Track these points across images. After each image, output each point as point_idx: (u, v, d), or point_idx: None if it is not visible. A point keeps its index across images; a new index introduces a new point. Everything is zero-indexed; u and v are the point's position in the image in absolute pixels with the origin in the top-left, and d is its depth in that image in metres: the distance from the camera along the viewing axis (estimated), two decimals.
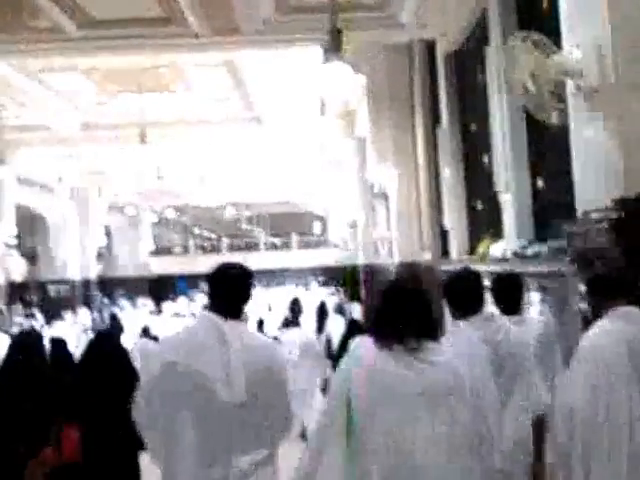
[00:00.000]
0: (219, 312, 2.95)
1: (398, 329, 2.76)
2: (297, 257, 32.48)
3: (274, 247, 34.23)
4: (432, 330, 2.82)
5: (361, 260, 17.09)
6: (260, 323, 12.81)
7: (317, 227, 36.93)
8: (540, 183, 5.85)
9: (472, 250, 7.76)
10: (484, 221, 7.31)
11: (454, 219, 7.96)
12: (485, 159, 7.11)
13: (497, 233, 6.55)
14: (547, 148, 5.68)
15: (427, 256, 9.76)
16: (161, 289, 29.67)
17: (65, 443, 3.98)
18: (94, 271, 25.18)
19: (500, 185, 6.02)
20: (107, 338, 4.88)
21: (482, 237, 7.24)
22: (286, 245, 34.11)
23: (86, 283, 24.54)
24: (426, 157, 9.56)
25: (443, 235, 9.25)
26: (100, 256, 26.35)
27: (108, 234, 28.84)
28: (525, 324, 3.96)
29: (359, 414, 2.68)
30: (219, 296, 3.02)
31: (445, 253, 9.19)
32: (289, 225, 34.74)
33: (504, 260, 5.87)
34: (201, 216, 36.70)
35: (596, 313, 3.24)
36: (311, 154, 19.40)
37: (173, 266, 31.73)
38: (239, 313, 3.03)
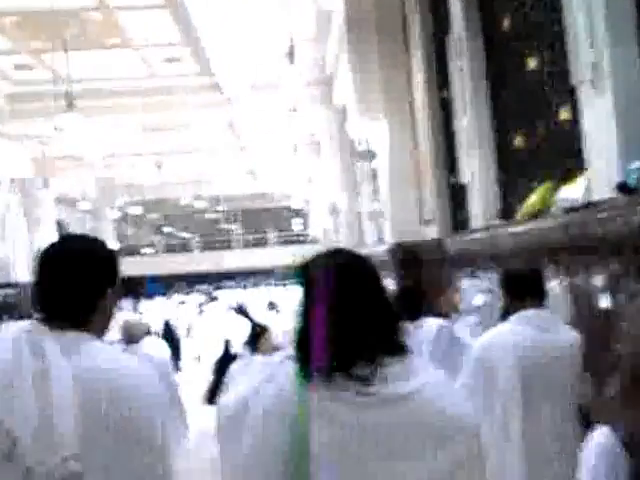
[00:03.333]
0: (47, 319, 1.77)
1: (337, 348, 1.61)
2: (275, 255, 29.96)
3: (250, 245, 31.66)
4: (393, 342, 1.68)
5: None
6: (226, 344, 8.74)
7: (297, 223, 34.47)
8: None
9: (506, 212, 5.17)
10: (531, 162, 4.71)
11: (476, 167, 5.36)
12: (532, 62, 4.51)
13: (566, 173, 3.95)
14: None
15: (431, 231, 7.17)
16: (130, 291, 26.98)
17: None
18: None
19: (583, 70, 3.34)
20: None
21: (528, 187, 4.65)
22: (262, 242, 31.56)
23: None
24: (428, 86, 6.96)
25: (455, 199, 6.66)
26: None
27: (63, 231, 26.30)
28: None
29: None
30: (44, 291, 1.81)
31: (458, 225, 6.60)
32: (266, 221, 32.22)
33: (590, 206, 3.29)
34: (170, 213, 34.08)
35: (504, 314, 3.17)
36: (284, 132, 16.79)
37: (137, 267, 29.06)
38: (85, 318, 1.80)
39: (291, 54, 9.57)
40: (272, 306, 17.69)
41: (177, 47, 12.50)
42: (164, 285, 30.29)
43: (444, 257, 6.66)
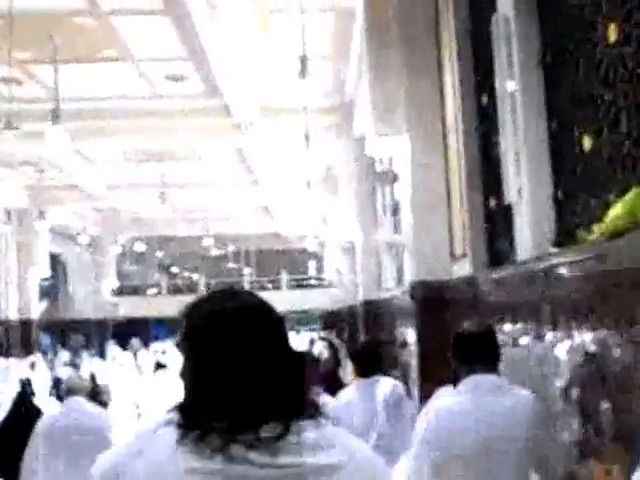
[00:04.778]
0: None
1: (232, 410, 1.45)
2: (288, 299, 28.99)
3: (261, 287, 30.68)
4: (301, 404, 1.49)
5: (361, 295, 13.48)
6: None
7: (312, 266, 33.53)
8: None
9: (565, 238, 4.11)
10: (600, 171, 3.65)
11: (525, 181, 4.31)
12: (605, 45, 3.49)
13: None
14: None
15: (462, 268, 6.11)
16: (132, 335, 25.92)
17: None
18: (36, 310, 21.52)
19: None
20: None
21: (597, 203, 3.61)
22: (275, 285, 30.60)
23: (25, 324, 20.81)
24: (463, 91, 5.96)
25: (493, 226, 5.62)
26: (46, 292, 23.15)
27: (59, 267, 25.56)
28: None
29: None
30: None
31: (496, 258, 5.54)
32: (279, 263, 31.31)
33: None
34: (176, 251, 33.26)
35: (453, 379, 3.11)
36: (298, 163, 15.92)
37: (139, 308, 28.19)
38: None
39: (303, 67, 8.65)
40: None
41: (180, 62, 11.71)
42: (168, 329, 29.31)
43: (477, 298, 5.59)
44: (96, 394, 6.07)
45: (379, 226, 11.86)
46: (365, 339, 6.85)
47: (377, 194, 12.27)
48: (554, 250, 4.04)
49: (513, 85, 4.49)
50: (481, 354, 3.14)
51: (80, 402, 5.32)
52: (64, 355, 18.26)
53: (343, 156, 13.87)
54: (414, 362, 7.42)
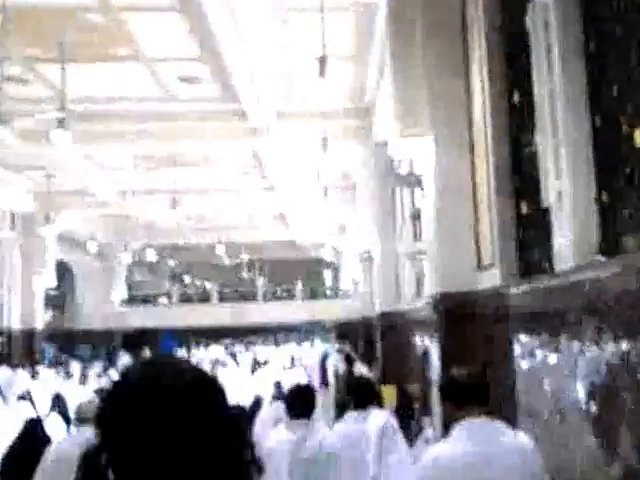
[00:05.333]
0: None
1: None
2: (303, 309, 28.69)
3: (275, 297, 30.37)
4: None
5: (377, 306, 13.15)
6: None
7: (328, 276, 33.20)
8: None
9: (611, 245, 3.76)
10: None
11: (566, 183, 3.96)
12: None
13: None
14: None
15: (490, 279, 5.75)
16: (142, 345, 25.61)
17: None
18: (41, 319, 21.16)
19: None
20: None
21: None
22: (289, 295, 30.27)
23: (28, 334, 20.39)
24: (493, 88, 5.62)
25: (525, 234, 5.26)
26: (53, 301, 22.92)
27: (67, 275, 25.38)
28: None
29: None
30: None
31: (528, 268, 5.18)
32: (293, 272, 30.99)
33: None
34: (190, 260, 33.03)
35: (446, 423, 3.12)
36: (315, 169, 15.63)
37: (149, 318, 27.94)
38: None
39: (322, 66, 8.35)
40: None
41: (194, 63, 11.45)
42: (179, 339, 29.02)
43: (506, 311, 5.24)
44: None
45: (398, 234, 11.53)
46: (358, 376, 7.04)
47: (396, 201, 11.94)
48: (600, 259, 3.69)
49: (552, 78, 4.15)
50: (474, 397, 3.09)
51: (88, 432, 4.78)
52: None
53: (362, 162, 13.57)
54: (435, 377, 7.07)
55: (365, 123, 13.24)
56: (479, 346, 5.90)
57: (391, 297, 12.38)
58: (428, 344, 8.02)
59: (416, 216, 9.74)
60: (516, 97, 5.39)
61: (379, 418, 5.02)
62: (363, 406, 4.98)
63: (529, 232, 5.26)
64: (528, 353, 4.81)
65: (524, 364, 4.95)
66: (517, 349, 5.05)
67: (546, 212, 4.50)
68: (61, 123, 9.84)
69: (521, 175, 5.36)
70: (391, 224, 12.23)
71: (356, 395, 5.10)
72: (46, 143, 11.94)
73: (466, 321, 5.98)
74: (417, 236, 8.92)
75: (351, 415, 5.06)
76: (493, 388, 5.53)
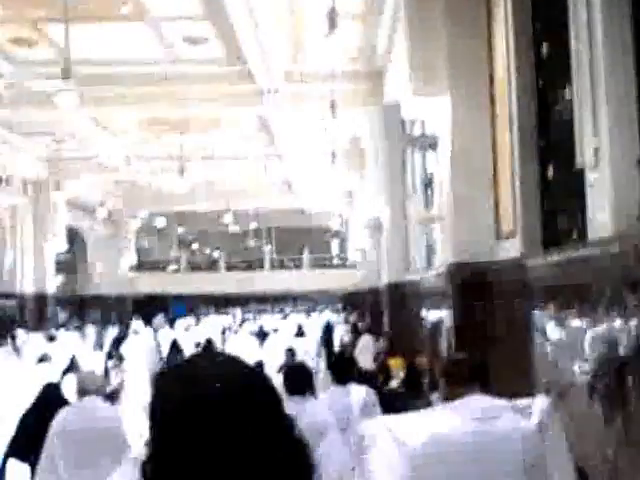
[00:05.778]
0: None
1: None
2: (310, 278, 28.32)
3: (282, 266, 30.00)
4: None
5: (385, 276, 12.72)
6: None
7: (335, 245, 32.77)
8: None
9: None
10: None
11: (604, 139, 3.48)
12: None
13: None
14: None
15: (510, 249, 5.29)
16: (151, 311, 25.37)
17: None
18: (53, 284, 21.00)
19: None
20: None
21: None
22: (296, 264, 29.90)
23: (41, 299, 20.28)
24: (519, 39, 5.11)
25: (550, 201, 4.79)
26: (64, 266, 22.73)
27: (78, 241, 25.10)
28: None
29: None
30: None
31: (553, 237, 4.72)
32: (301, 241, 30.56)
33: None
34: (198, 227, 32.65)
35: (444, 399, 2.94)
36: (323, 134, 15.09)
37: (158, 285, 27.68)
38: None
39: (331, 22, 7.81)
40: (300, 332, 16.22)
41: (200, 23, 10.90)
42: (187, 306, 28.78)
43: (528, 283, 4.79)
44: None
45: (409, 201, 11.05)
46: (341, 348, 6.96)
47: (407, 166, 11.43)
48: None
49: (593, 27, 3.65)
50: (471, 375, 2.90)
51: (94, 401, 5.12)
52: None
53: (371, 126, 13.02)
54: (447, 350, 6.66)
55: (375, 86, 12.68)
56: (496, 321, 5.46)
57: (400, 267, 11.94)
58: (439, 316, 7.60)
59: (428, 182, 9.27)
60: (545, 50, 4.89)
61: (359, 393, 5.15)
62: (343, 382, 5.13)
63: (555, 198, 4.79)
64: (552, 329, 4.37)
65: (547, 340, 4.51)
66: (539, 324, 4.62)
67: (577, 176, 4.03)
68: (66, 79, 9.35)
69: (548, 136, 4.88)
70: (401, 191, 11.74)
71: (336, 371, 5.25)
72: (53, 107, 11.57)
73: (483, 294, 5.54)
74: (428, 204, 8.45)
75: (335, 390, 5.20)
76: (510, 366, 5.10)
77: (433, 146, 6.31)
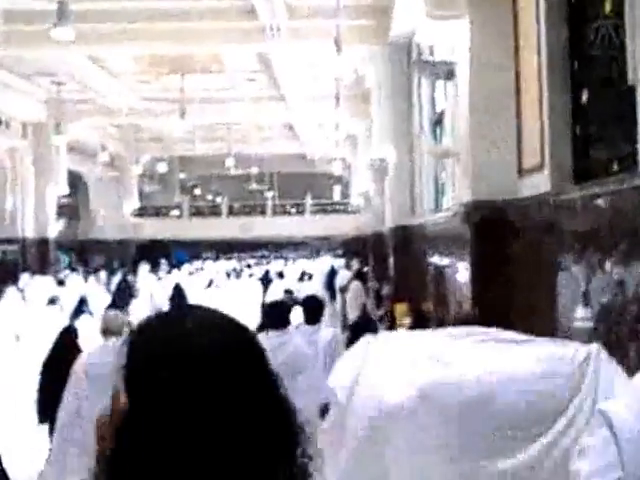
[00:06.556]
0: None
1: None
2: (311, 223, 27.81)
3: (284, 211, 29.44)
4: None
5: (390, 220, 12.16)
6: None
7: (337, 191, 32.19)
8: None
9: None
10: None
11: None
12: None
13: None
14: None
15: (535, 185, 4.73)
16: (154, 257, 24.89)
17: None
18: (54, 228, 20.50)
19: None
20: None
21: None
22: (299, 209, 29.33)
23: (42, 243, 19.81)
24: None
25: (582, 127, 4.21)
26: (65, 210, 22.27)
27: (80, 186, 24.57)
28: None
29: None
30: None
31: (586, 171, 4.15)
32: (303, 186, 29.95)
33: None
34: (200, 172, 32.03)
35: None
36: (328, 74, 14.37)
37: (160, 230, 27.20)
38: None
39: None
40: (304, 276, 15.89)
41: None
42: (189, 252, 28.34)
43: (557, 222, 4.25)
44: None
45: (416, 141, 10.42)
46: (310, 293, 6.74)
47: (414, 103, 10.75)
48: None
49: None
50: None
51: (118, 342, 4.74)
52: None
53: (377, 64, 12.30)
54: (461, 295, 6.16)
55: (382, 22, 11.93)
56: (518, 264, 4.94)
57: (405, 210, 11.38)
58: (450, 261, 7.09)
59: (437, 120, 8.65)
60: None
61: (328, 333, 5.60)
62: (313, 322, 5.50)
63: (590, 127, 4.21)
64: (586, 275, 3.84)
65: (578, 287, 3.98)
66: (570, 269, 4.09)
67: (616, 101, 3.46)
68: (61, 18, 8.71)
69: (583, 57, 4.27)
70: (408, 130, 11.10)
71: (308, 312, 5.56)
72: (50, 44, 10.88)
73: (504, 234, 5.00)
74: (437, 138, 7.85)
75: (307, 329, 5.50)
76: (532, 313, 4.58)
77: (449, 75, 5.70)
